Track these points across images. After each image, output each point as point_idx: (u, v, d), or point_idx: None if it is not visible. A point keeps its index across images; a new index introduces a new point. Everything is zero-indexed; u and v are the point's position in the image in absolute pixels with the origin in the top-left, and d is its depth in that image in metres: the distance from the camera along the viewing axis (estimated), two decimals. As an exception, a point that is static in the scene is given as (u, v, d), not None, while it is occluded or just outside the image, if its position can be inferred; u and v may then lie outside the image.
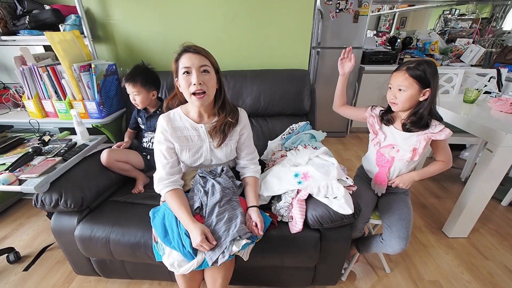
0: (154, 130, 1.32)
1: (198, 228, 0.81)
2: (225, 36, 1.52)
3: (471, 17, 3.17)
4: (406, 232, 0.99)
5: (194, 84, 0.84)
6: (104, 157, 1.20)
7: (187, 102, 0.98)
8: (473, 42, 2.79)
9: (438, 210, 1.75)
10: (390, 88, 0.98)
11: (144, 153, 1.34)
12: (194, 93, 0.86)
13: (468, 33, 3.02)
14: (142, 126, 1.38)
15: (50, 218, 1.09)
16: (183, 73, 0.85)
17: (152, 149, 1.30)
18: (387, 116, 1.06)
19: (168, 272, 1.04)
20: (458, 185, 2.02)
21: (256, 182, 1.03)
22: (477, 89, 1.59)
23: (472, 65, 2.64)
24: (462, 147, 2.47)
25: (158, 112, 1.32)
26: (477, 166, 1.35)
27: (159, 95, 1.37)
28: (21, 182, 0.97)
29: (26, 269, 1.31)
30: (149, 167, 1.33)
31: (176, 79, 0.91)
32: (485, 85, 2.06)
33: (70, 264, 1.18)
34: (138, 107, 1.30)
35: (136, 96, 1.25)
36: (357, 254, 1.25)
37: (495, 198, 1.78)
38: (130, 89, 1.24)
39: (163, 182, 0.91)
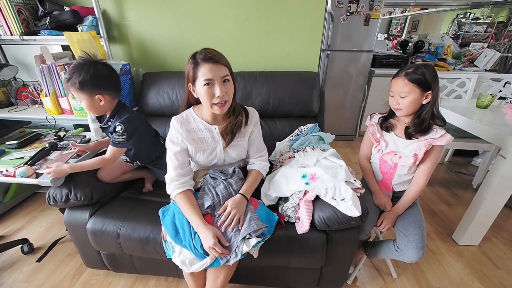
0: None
1: (210, 230, 0.81)
2: (236, 38, 1.54)
3: (486, 21, 3.10)
4: (423, 241, 0.98)
5: (218, 97, 0.84)
6: (102, 180, 1.14)
7: (197, 103, 1.00)
8: (487, 47, 2.72)
9: (448, 217, 1.71)
10: (392, 96, 0.98)
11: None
12: (215, 103, 0.86)
13: (483, 37, 2.95)
14: None
15: (63, 212, 1.12)
16: (204, 85, 0.83)
17: (136, 166, 1.25)
18: (386, 124, 1.06)
19: (175, 268, 1.06)
20: (469, 192, 1.97)
21: (257, 175, 1.02)
22: (491, 95, 1.56)
23: (486, 70, 2.58)
24: (474, 153, 2.41)
25: (110, 122, 1.05)
26: (489, 172, 1.31)
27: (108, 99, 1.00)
28: (38, 175, 1.01)
29: (39, 260, 1.35)
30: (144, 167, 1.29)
31: (190, 84, 0.89)
32: (500, 91, 2.01)
33: (81, 256, 1.21)
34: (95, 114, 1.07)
35: (80, 102, 1.00)
36: (364, 258, 1.24)
37: (508, 207, 1.73)
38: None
39: (173, 183, 0.92)
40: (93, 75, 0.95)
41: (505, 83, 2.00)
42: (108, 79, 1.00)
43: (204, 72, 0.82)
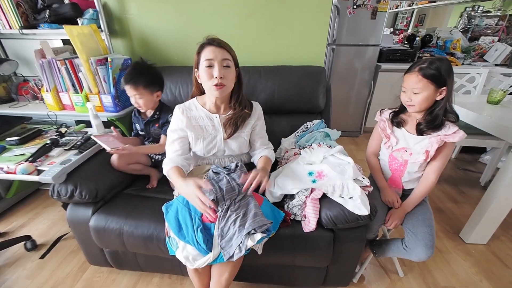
0: (154, 140, 1.27)
1: (190, 182, 0.81)
2: (240, 32, 1.50)
3: (498, 13, 3.00)
4: (432, 240, 0.95)
5: (216, 77, 0.87)
6: (114, 162, 1.16)
7: (203, 94, 1.01)
8: (498, 40, 2.64)
9: (456, 215, 1.68)
10: (404, 92, 0.94)
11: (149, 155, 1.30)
12: (213, 85, 0.88)
13: (494, 30, 2.86)
14: (141, 133, 1.30)
15: (65, 209, 1.11)
16: (206, 66, 0.87)
17: (156, 159, 1.29)
18: (397, 119, 1.03)
19: (179, 266, 1.05)
20: (477, 190, 1.93)
21: (267, 159, 1.04)
22: (502, 90, 1.51)
23: (496, 65, 2.51)
24: (482, 150, 2.36)
25: (156, 116, 1.23)
26: (500, 170, 1.28)
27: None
28: (39, 172, 0.99)
29: (42, 257, 1.35)
30: (155, 166, 1.31)
31: (196, 70, 0.93)
32: (511, 86, 1.95)
33: (84, 254, 1.21)
34: (142, 110, 1.22)
35: (139, 99, 1.14)
36: (370, 256, 1.21)
37: (517, 205, 1.70)
38: (131, 92, 1.13)
39: (168, 163, 0.95)
40: (155, 75, 1.18)
41: (516, 78, 1.94)
42: (162, 78, 1.22)
43: (206, 53, 0.87)
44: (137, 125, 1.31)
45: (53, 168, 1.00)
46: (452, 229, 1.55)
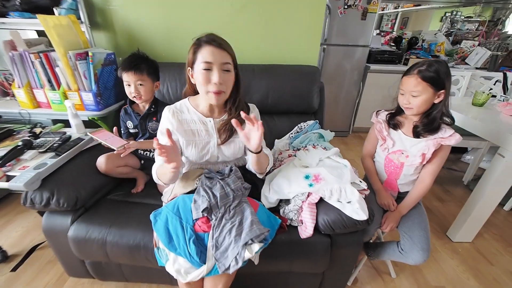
0: (150, 136, 1.20)
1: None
2: (232, 27, 1.44)
3: (478, 19, 3.14)
4: (428, 243, 0.95)
5: (215, 84, 0.79)
6: (102, 165, 1.08)
7: (196, 93, 0.93)
8: (478, 45, 2.77)
9: (442, 213, 1.73)
10: (402, 94, 0.93)
11: (138, 157, 1.25)
12: (211, 91, 0.81)
13: (474, 35, 3.00)
14: (133, 131, 1.23)
15: (42, 215, 1.01)
16: (203, 69, 0.78)
17: (148, 157, 1.23)
18: (393, 121, 1.02)
19: (168, 275, 0.98)
20: (461, 188, 2.01)
21: (265, 155, 0.94)
22: (485, 92, 1.57)
23: (476, 68, 2.62)
24: (463, 150, 2.46)
25: (153, 109, 1.18)
26: (486, 172, 1.32)
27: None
28: (8, 178, 0.89)
29: (14, 269, 1.23)
30: (143, 168, 1.25)
31: (189, 68, 0.85)
32: (491, 89, 2.04)
33: (62, 265, 1.11)
34: (138, 101, 1.15)
35: (140, 86, 1.11)
36: (364, 259, 1.21)
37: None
38: (133, 78, 1.09)
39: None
40: (153, 65, 1.18)
41: (496, 81, 2.03)
42: (158, 70, 1.21)
43: (204, 54, 0.78)
44: (129, 122, 1.22)
45: (25, 173, 0.90)
46: (440, 228, 1.59)
